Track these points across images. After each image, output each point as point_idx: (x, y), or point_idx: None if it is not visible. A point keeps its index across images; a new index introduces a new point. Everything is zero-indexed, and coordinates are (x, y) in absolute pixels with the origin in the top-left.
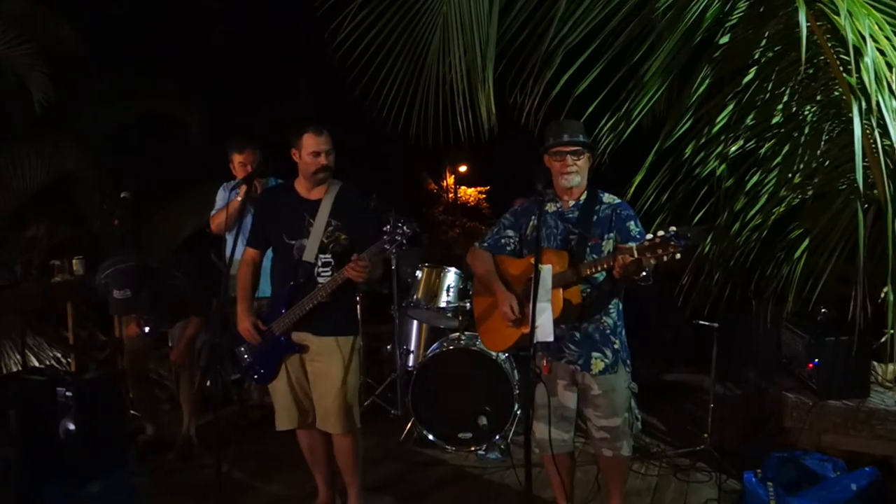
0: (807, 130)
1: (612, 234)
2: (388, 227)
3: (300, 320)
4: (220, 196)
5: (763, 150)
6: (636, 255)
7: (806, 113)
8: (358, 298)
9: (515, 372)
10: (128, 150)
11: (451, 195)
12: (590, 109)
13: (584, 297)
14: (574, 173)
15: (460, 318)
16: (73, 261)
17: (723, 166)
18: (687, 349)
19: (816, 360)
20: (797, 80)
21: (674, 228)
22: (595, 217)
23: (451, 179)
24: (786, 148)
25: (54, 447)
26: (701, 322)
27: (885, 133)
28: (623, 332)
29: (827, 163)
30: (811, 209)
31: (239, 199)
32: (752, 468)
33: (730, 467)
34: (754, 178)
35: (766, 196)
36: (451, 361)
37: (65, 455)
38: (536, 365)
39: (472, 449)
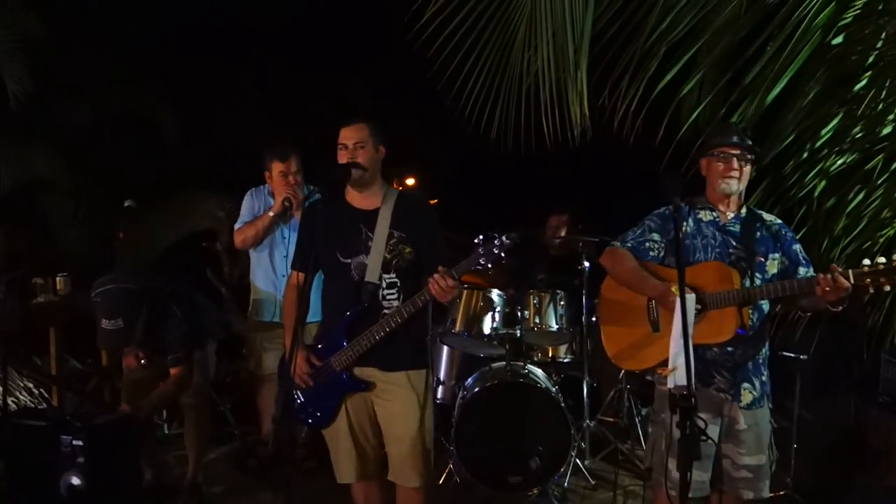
0: None
1: (777, 255)
2: (481, 237)
3: (364, 353)
4: (247, 206)
5: (869, 166)
6: (853, 282)
7: None
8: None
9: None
10: (100, 154)
11: None
12: (694, 114)
13: (752, 322)
14: (736, 178)
15: (507, 347)
16: (58, 279)
17: (822, 183)
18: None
19: None
20: None
21: None
22: (759, 234)
23: None
24: (894, 164)
25: None
26: (786, 353)
27: None
28: (768, 364)
29: None
30: None
31: (272, 213)
32: None
33: None
34: (858, 198)
35: (867, 217)
36: (501, 395)
37: None
38: (700, 417)
39: (525, 494)
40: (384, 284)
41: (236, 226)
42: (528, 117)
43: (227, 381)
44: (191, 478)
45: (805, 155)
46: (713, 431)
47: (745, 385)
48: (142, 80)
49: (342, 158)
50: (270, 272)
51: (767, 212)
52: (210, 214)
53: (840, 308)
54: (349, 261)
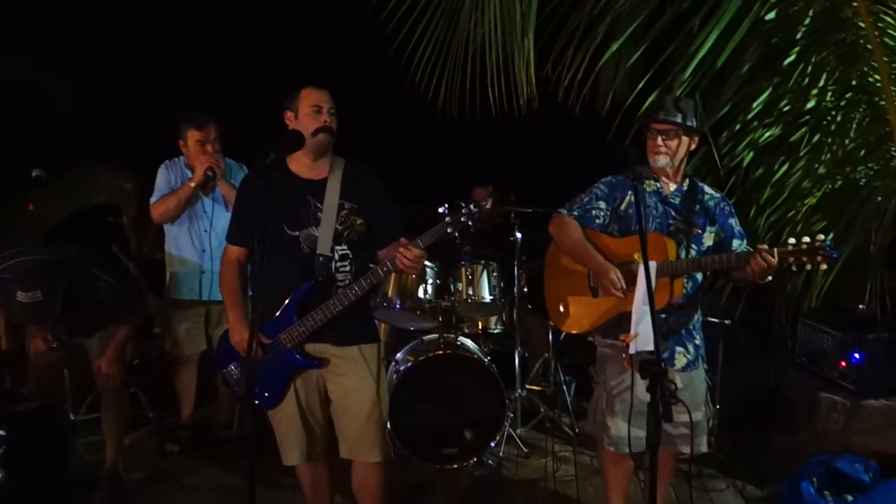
0: (838, 118)
1: (714, 228)
2: (446, 206)
3: (318, 328)
4: (162, 177)
5: (793, 138)
6: (776, 259)
7: (836, 100)
8: None
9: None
10: None
11: None
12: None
13: (685, 291)
14: (664, 154)
15: (441, 319)
16: None
17: (750, 155)
18: None
19: (857, 357)
20: (835, 65)
21: (822, 236)
22: (698, 206)
23: None
24: (816, 137)
25: None
26: (711, 319)
27: None
28: (701, 328)
29: (854, 151)
30: (834, 200)
31: (193, 185)
32: (769, 474)
33: (744, 473)
34: (783, 169)
35: (790, 187)
36: (436, 367)
37: None
38: (671, 381)
39: (456, 466)
40: (336, 257)
41: (152, 199)
42: (475, 85)
43: (135, 363)
44: (110, 465)
45: (738, 127)
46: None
47: (679, 349)
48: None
49: (318, 122)
50: (190, 247)
51: (701, 181)
52: (108, 188)
53: (766, 280)
54: (297, 233)
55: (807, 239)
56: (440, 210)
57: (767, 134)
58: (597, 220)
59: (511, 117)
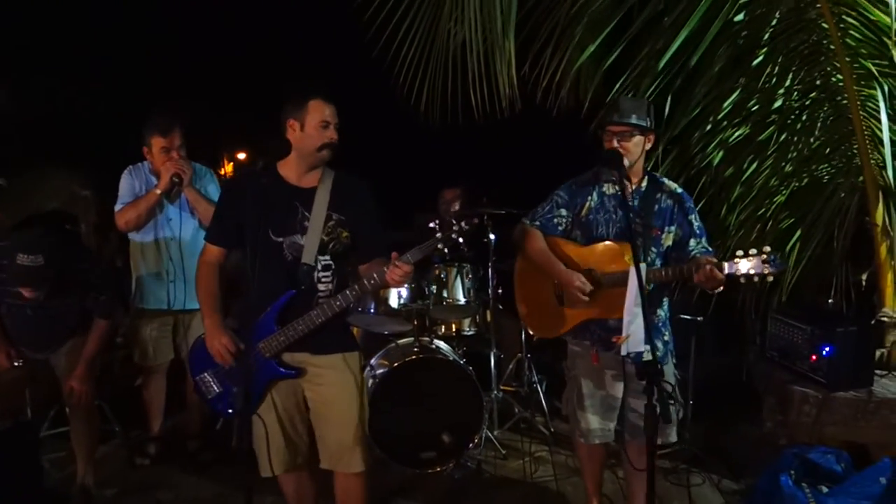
0: (804, 117)
1: (672, 228)
2: (437, 222)
3: (299, 339)
4: (126, 184)
5: (762, 137)
6: (725, 273)
7: (801, 99)
8: None
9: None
10: None
11: None
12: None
13: (648, 290)
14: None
15: (416, 323)
16: None
17: (720, 154)
18: None
19: (827, 350)
20: (800, 65)
21: (768, 249)
22: (657, 206)
23: (229, 167)
24: (783, 136)
25: None
26: (684, 316)
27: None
28: (669, 324)
29: (819, 148)
30: (801, 198)
31: (158, 191)
32: (743, 466)
33: (719, 466)
34: (752, 168)
35: (758, 186)
36: (413, 371)
37: None
38: (668, 381)
39: (436, 469)
40: (319, 267)
41: (116, 207)
42: (455, 89)
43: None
44: (81, 481)
45: (708, 127)
46: (618, 388)
47: (613, 339)
48: None
49: (325, 137)
50: (156, 256)
51: (674, 181)
52: (60, 195)
53: (718, 290)
54: (281, 240)
55: (753, 251)
56: (430, 225)
57: (737, 133)
58: (559, 228)
59: (489, 119)
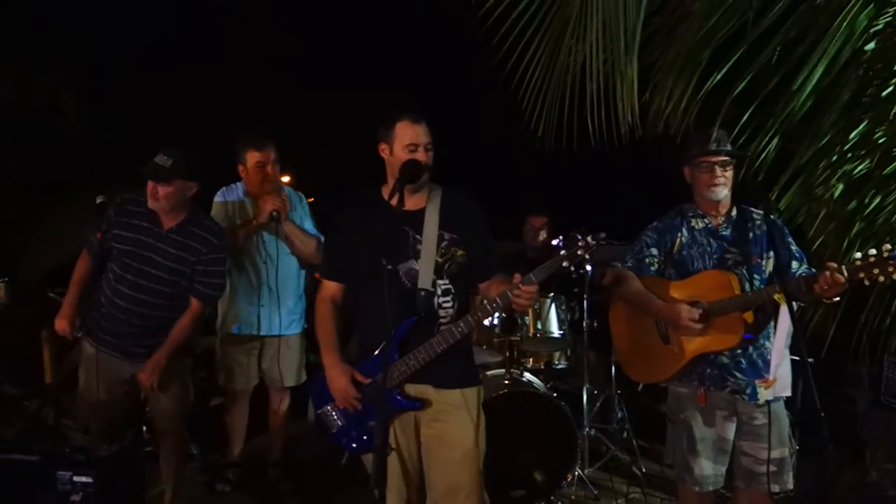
0: None
1: (771, 254)
2: (561, 239)
3: (420, 368)
4: (220, 210)
5: (887, 171)
6: (847, 276)
7: None
8: None
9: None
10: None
11: None
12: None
13: (755, 321)
14: (722, 185)
15: (507, 354)
16: None
17: (840, 187)
18: None
19: None
20: None
21: (888, 246)
22: (751, 234)
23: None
24: None
25: None
26: (793, 357)
27: None
28: None
29: None
30: None
31: (256, 223)
32: None
33: None
34: (875, 202)
35: (881, 222)
36: (504, 405)
37: None
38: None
39: None
40: (439, 291)
41: None
42: (572, 115)
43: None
44: None
45: (835, 158)
46: (729, 430)
47: (760, 383)
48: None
49: (419, 158)
50: (248, 281)
51: (796, 213)
52: None
53: (836, 298)
54: (397, 267)
55: (873, 251)
56: (554, 243)
57: (861, 166)
58: (651, 268)
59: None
